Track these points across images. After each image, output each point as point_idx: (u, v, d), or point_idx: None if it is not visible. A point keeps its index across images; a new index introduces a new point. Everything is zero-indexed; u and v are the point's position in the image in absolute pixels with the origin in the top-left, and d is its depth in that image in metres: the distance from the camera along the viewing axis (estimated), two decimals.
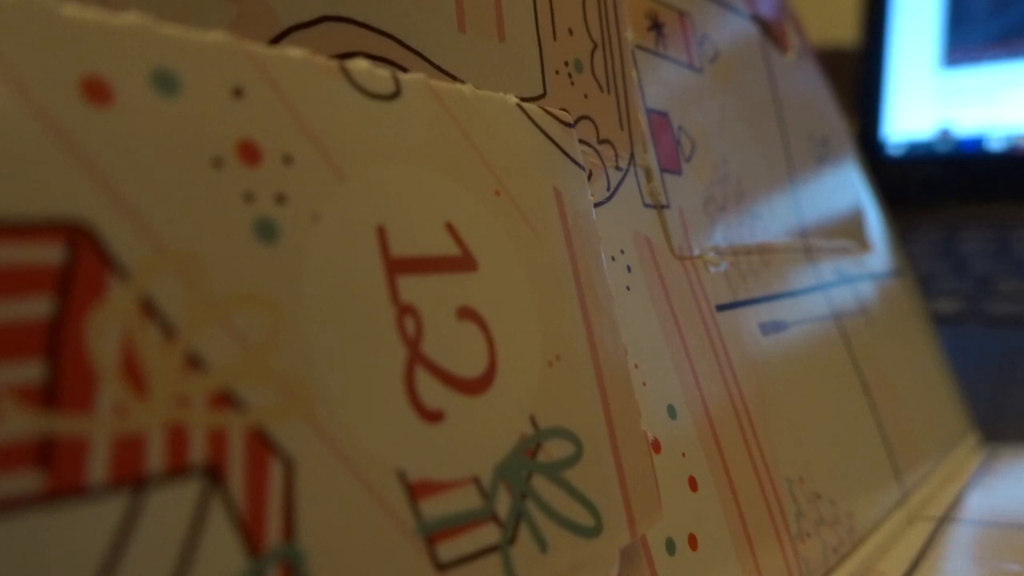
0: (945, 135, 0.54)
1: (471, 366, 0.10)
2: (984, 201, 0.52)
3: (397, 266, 0.10)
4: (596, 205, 0.15)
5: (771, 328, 0.19)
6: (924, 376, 0.28)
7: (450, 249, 0.11)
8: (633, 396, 0.13)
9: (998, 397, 0.34)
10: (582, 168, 0.13)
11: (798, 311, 0.21)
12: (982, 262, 0.45)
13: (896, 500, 0.22)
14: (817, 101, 0.26)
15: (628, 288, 0.15)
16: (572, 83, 0.15)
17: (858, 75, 0.57)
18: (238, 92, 0.09)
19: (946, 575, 0.18)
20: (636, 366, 0.14)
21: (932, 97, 0.55)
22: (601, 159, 0.15)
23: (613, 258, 0.15)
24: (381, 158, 0.10)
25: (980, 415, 0.32)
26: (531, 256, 0.12)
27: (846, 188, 0.27)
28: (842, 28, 0.59)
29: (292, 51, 0.10)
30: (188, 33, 0.08)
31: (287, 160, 0.09)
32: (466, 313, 0.10)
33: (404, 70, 0.12)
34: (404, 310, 0.10)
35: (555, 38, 0.15)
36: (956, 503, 0.23)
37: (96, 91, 0.07)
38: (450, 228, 0.11)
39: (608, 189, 0.15)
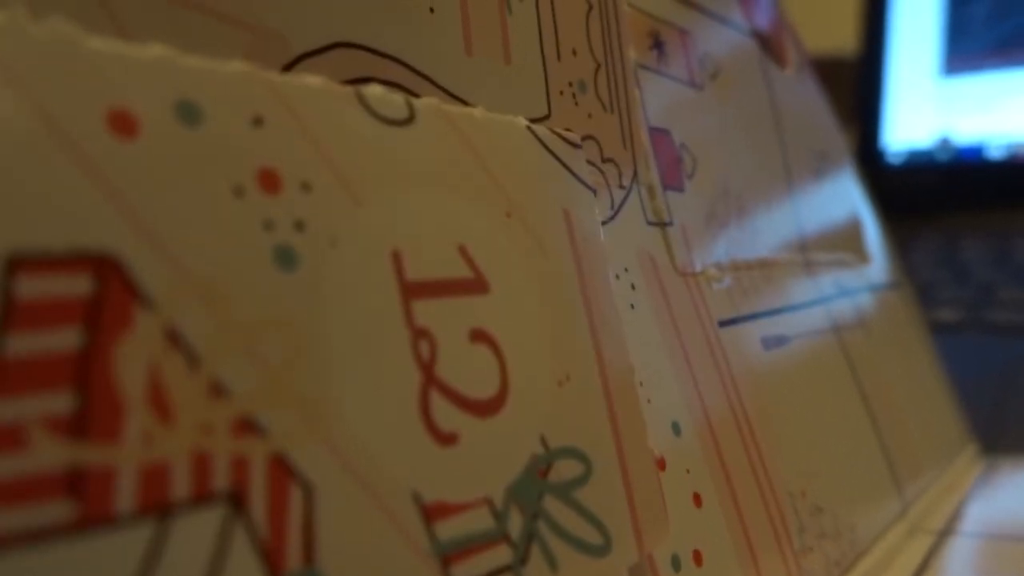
0: (945, 143, 0.55)
1: (483, 388, 0.11)
2: (984, 209, 0.52)
3: (412, 290, 0.10)
4: (601, 224, 0.15)
5: (773, 343, 0.19)
6: (923, 387, 0.28)
7: (463, 272, 0.11)
8: (640, 414, 0.13)
9: (1000, 405, 0.34)
10: (590, 189, 0.14)
11: (799, 325, 0.21)
12: (983, 270, 0.45)
13: (897, 512, 0.22)
14: (815, 115, 0.27)
15: (632, 306, 0.15)
16: (576, 103, 0.15)
17: (857, 84, 0.57)
18: (258, 121, 0.09)
19: None
20: (641, 383, 0.14)
21: (932, 105, 0.55)
22: (605, 178, 0.15)
23: (617, 276, 0.15)
24: (396, 183, 0.10)
25: (982, 424, 0.32)
26: (541, 277, 0.12)
27: (845, 201, 0.27)
28: (841, 37, 0.60)
29: (309, 78, 0.10)
30: (210, 64, 0.09)
31: (305, 187, 0.09)
32: (478, 335, 0.11)
33: (414, 95, 0.12)
34: (419, 334, 0.10)
35: (559, 59, 0.15)
36: (956, 515, 0.23)
37: (122, 123, 0.08)
38: (463, 251, 0.11)
39: (612, 208, 0.16)
